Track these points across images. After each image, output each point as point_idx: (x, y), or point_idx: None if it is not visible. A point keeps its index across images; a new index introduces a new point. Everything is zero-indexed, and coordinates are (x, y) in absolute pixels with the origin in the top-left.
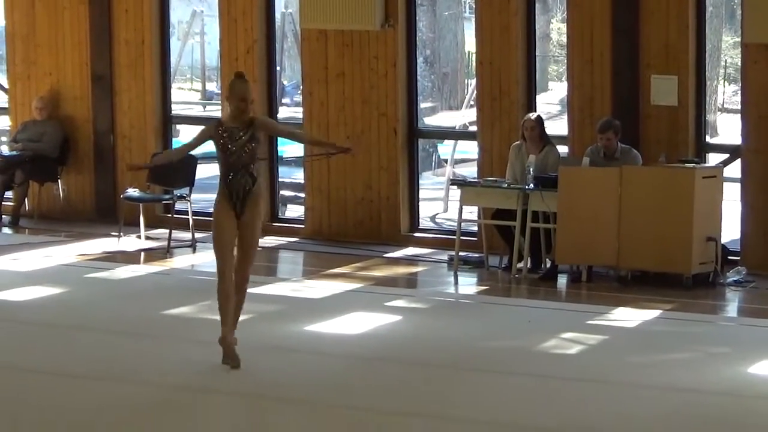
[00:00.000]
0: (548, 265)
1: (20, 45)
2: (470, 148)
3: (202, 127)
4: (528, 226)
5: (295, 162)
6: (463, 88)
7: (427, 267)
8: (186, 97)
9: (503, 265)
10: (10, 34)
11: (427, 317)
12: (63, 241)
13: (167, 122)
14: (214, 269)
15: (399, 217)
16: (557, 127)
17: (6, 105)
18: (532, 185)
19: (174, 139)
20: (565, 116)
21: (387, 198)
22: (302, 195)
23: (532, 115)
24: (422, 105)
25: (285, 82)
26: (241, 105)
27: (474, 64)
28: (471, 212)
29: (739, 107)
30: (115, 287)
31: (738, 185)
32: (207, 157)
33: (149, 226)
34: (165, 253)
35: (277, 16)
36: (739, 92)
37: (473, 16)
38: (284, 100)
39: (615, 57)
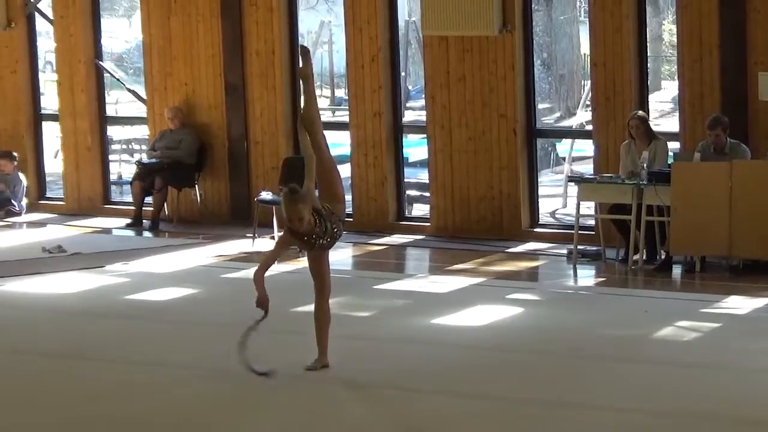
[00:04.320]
0: (663, 257)
1: (157, 58)
2: (586, 146)
3: (280, 240)
4: (643, 219)
5: (420, 163)
6: (579, 89)
7: (547, 261)
8: None
9: (620, 258)
10: (148, 47)
11: (547, 308)
12: (201, 244)
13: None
14: (343, 267)
15: (520, 213)
16: (669, 124)
17: (145, 115)
18: (646, 180)
19: None
20: (677, 114)
21: (508, 195)
22: (427, 194)
23: (636, 114)
24: (540, 106)
25: (409, 87)
26: (295, 224)
27: (589, 65)
28: (588, 207)
29: None
30: (251, 286)
31: None
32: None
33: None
34: (297, 252)
35: (401, 24)
36: None
37: (587, 19)
38: (409, 104)
39: (723, 55)
